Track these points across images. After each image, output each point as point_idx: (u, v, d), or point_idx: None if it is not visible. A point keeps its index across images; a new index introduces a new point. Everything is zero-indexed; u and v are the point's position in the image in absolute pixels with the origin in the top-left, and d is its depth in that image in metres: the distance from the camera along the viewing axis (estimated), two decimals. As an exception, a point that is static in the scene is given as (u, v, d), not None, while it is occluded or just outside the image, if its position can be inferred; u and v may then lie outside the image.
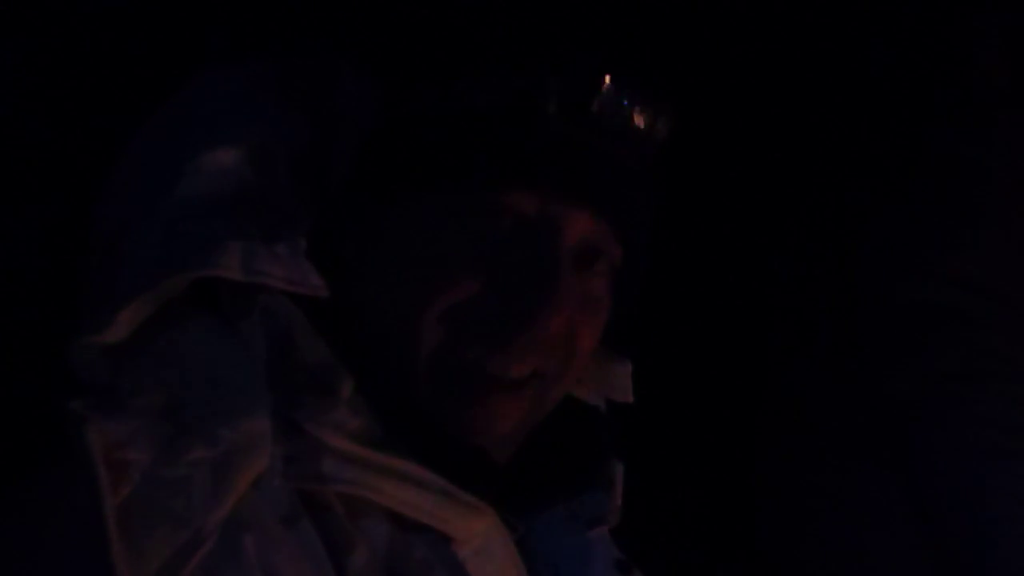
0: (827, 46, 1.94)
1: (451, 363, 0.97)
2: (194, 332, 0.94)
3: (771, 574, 1.85)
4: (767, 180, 1.92)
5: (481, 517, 0.98)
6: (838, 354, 1.80)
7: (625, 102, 1.00)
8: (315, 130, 1.03)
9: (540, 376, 1.00)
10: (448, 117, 0.98)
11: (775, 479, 1.86)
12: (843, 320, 1.79)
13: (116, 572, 0.83)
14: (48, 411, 0.90)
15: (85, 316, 0.94)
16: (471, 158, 0.97)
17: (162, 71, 1.18)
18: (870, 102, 1.86)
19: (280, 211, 0.98)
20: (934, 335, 1.67)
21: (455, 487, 0.96)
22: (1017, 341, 1.68)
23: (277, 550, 0.89)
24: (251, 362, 0.94)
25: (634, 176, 1.02)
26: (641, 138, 1.01)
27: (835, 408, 1.82)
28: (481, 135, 0.97)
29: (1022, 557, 1.57)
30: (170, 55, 1.27)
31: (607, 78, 0.98)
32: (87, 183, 1.05)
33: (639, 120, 1.01)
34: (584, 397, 1.13)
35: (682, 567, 1.94)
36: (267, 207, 0.98)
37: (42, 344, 0.97)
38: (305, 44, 1.11)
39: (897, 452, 1.72)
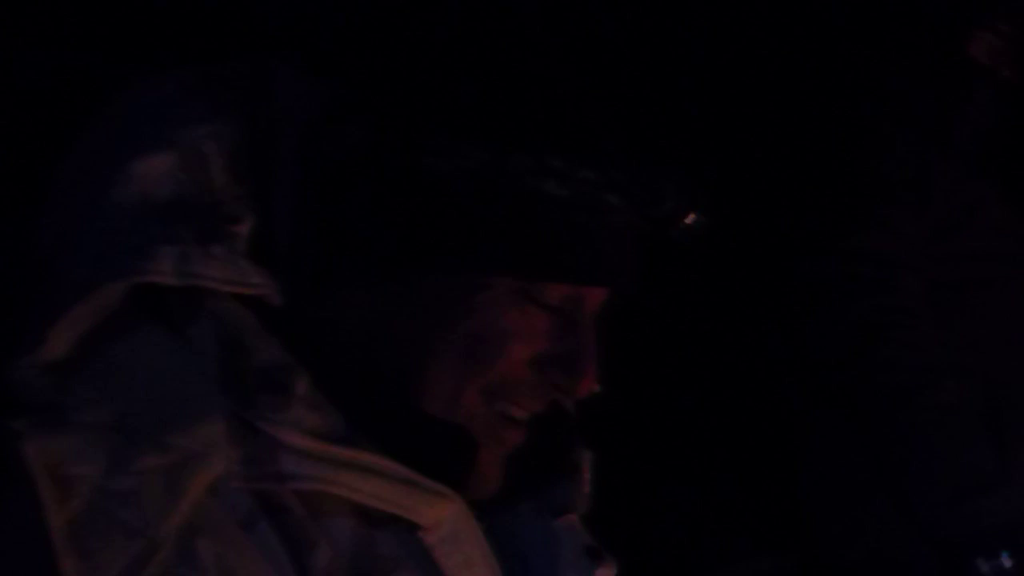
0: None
1: (480, 423, 0.99)
2: (139, 342, 0.93)
3: (815, 560, 2.06)
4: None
5: (448, 503, 0.97)
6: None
7: (683, 215, 1.01)
8: (253, 130, 1.01)
9: None
10: (515, 193, 0.96)
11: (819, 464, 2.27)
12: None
13: None
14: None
15: (24, 335, 0.92)
16: (541, 251, 0.97)
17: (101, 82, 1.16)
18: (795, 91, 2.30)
19: (215, 213, 0.96)
20: (846, 297, 2.14)
21: (419, 475, 0.95)
22: (916, 299, 2.15)
23: (236, 554, 0.89)
24: (200, 368, 0.92)
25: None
26: (685, 231, 1.02)
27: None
28: (556, 224, 0.97)
29: (936, 471, 2.08)
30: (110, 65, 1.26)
31: (673, 185, 0.99)
32: (29, 200, 1.04)
33: (688, 219, 1.01)
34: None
35: (728, 554, 1.98)
36: (202, 210, 0.96)
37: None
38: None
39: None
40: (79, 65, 1.30)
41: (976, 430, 2.11)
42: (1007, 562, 2.06)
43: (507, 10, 1.02)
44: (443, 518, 0.97)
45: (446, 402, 0.98)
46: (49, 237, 0.99)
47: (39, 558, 0.83)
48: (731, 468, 2.03)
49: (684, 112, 2.08)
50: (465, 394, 0.98)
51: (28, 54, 1.31)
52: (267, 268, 0.97)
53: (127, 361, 0.92)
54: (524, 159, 0.95)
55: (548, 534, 1.09)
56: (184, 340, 0.93)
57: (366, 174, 0.97)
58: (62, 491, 0.84)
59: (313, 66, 1.04)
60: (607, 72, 1.06)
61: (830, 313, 2.16)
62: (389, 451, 0.95)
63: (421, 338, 0.98)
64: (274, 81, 1.04)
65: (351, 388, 0.96)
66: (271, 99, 1.03)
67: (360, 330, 0.98)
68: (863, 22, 2.29)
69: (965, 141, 2.30)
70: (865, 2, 2.30)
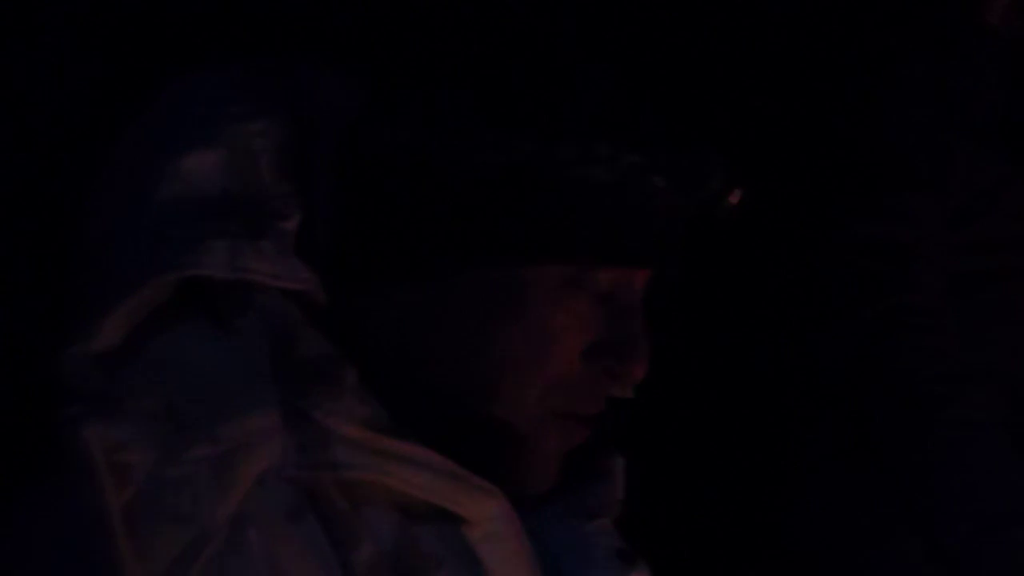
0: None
1: (538, 422, 1.00)
2: (188, 335, 0.94)
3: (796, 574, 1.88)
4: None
5: (493, 500, 0.98)
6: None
7: (726, 185, 1.02)
8: (295, 127, 1.03)
9: None
10: (563, 182, 0.97)
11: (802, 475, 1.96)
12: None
13: (124, 574, 0.82)
14: (39, 422, 0.89)
15: (74, 326, 0.93)
16: (583, 238, 0.97)
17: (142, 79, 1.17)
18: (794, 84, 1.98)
19: (264, 209, 0.98)
20: (855, 297, 1.84)
21: (465, 471, 0.96)
22: (936, 297, 1.84)
23: (282, 546, 0.89)
24: (250, 360, 0.93)
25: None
26: (729, 211, 1.03)
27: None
28: (598, 209, 0.97)
29: (963, 499, 1.77)
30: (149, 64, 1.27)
31: (718, 166, 1.00)
32: (68, 195, 1.04)
33: (733, 198, 1.02)
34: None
35: (708, 566, 1.91)
36: (251, 206, 0.97)
37: (30, 356, 0.96)
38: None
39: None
40: (114, 63, 1.31)
41: (1007, 448, 1.82)
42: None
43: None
44: (487, 515, 0.98)
45: (506, 403, 0.99)
46: (95, 230, 1.00)
47: (95, 542, 0.83)
48: (712, 481, 1.95)
49: (712, 95, 1.99)
50: (525, 394, 0.98)
51: (60, 52, 1.31)
52: (311, 264, 0.98)
53: (176, 353, 0.93)
54: (570, 148, 0.96)
55: (580, 537, 1.09)
56: (232, 333, 0.94)
57: (410, 171, 0.97)
58: (117, 478, 0.85)
59: (347, 64, 1.05)
60: (641, 56, 1.07)
61: (839, 314, 1.87)
62: (433, 446, 0.96)
63: (471, 336, 0.98)
64: (312, 79, 1.05)
65: (394, 384, 0.97)
66: (311, 97, 1.04)
67: (404, 327, 0.99)
68: None
69: (984, 119, 2.00)
70: None
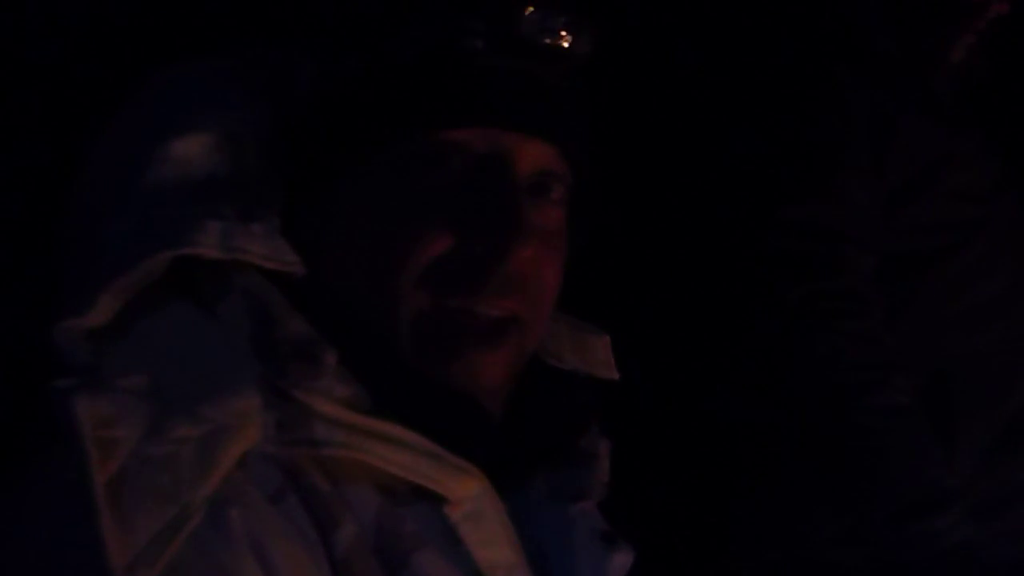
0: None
1: (433, 318, 0.98)
2: (174, 315, 0.95)
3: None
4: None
5: (472, 480, 0.99)
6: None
7: (549, 25, 1.00)
8: (279, 117, 1.04)
9: (517, 321, 1.01)
10: (379, 76, 0.99)
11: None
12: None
13: (105, 546, 0.83)
14: (34, 396, 0.90)
15: (65, 301, 0.94)
16: (408, 110, 0.98)
17: (127, 69, 1.18)
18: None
19: (252, 194, 0.99)
20: (782, 280, 1.76)
21: (443, 450, 0.96)
22: (865, 280, 1.78)
23: (264, 527, 0.90)
24: (232, 342, 0.95)
25: (570, 97, 1.03)
26: (570, 57, 1.02)
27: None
28: (415, 85, 0.98)
29: (883, 487, 1.73)
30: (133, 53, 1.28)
31: (529, 6, 0.99)
32: (58, 176, 1.05)
33: (566, 40, 1.01)
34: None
35: (745, 543, 1.89)
36: (239, 190, 0.99)
37: (23, 331, 0.97)
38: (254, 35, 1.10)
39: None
40: (101, 52, 1.32)
41: (927, 435, 1.76)
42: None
43: None
44: (467, 495, 0.99)
45: (388, 307, 0.98)
46: (86, 211, 1.01)
47: (78, 516, 0.84)
48: (752, 458, 1.92)
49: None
50: (401, 288, 0.98)
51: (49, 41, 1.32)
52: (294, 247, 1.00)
53: (163, 332, 0.94)
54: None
55: (564, 519, 1.10)
56: (215, 315, 0.96)
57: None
58: (102, 453, 0.86)
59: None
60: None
61: (765, 299, 1.79)
62: (414, 428, 0.97)
63: (347, 249, 1.00)
64: (297, 70, 1.06)
65: (374, 365, 0.98)
66: (294, 89, 1.05)
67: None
68: None
69: (939, 87, 1.91)
70: None
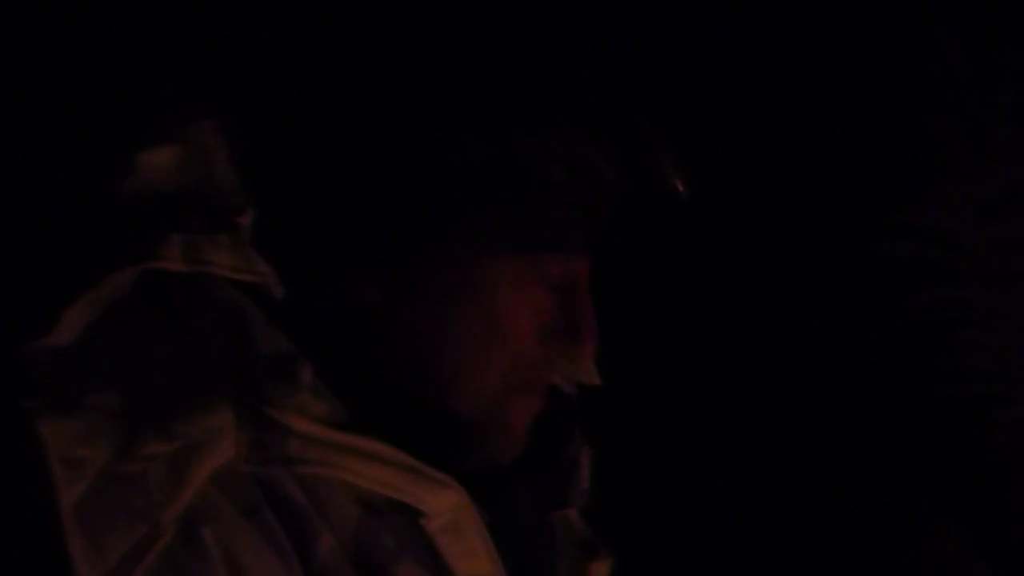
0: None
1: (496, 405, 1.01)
2: (145, 331, 0.94)
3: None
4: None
5: (449, 493, 0.98)
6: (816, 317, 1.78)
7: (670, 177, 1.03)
8: (254, 125, 1.03)
9: None
10: (517, 178, 0.98)
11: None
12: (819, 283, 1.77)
13: (74, 567, 0.83)
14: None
15: (32, 319, 0.93)
16: (553, 225, 1.00)
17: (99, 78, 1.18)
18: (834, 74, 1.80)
19: (220, 204, 0.98)
20: (902, 286, 1.65)
21: (421, 464, 0.96)
22: (985, 289, 1.68)
23: (240, 542, 0.90)
24: (205, 357, 0.94)
25: None
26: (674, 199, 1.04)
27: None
28: (560, 203, 0.99)
29: (1016, 500, 1.60)
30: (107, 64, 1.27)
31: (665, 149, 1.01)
32: (30, 191, 1.05)
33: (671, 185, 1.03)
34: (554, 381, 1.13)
35: (728, 554, 1.88)
36: (207, 201, 0.98)
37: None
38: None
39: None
40: (80, 64, 1.32)
41: None
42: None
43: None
44: (445, 507, 0.98)
45: (468, 390, 1.00)
46: (55, 226, 1.00)
47: (48, 537, 0.83)
48: (736, 467, 1.92)
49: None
50: (486, 379, 1.00)
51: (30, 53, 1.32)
52: (269, 259, 0.98)
53: (134, 349, 0.93)
54: (524, 144, 0.97)
55: (544, 527, 1.10)
56: (187, 330, 0.94)
57: (368, 169, 0.98)
58: (70, 472, 0.85)
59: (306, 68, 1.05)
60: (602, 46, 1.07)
61: (878, 309, 1.67)
62: (390, 441, 0.96)
63: (429, 330, 0.99)
64: (272, 80, 1.05)
65: (352, 378, 0.97)
66: (268, 96, 1.04)
67: (362, 322, 0.99)
68: None
69: (1016, 97, 1.78)
70: None
